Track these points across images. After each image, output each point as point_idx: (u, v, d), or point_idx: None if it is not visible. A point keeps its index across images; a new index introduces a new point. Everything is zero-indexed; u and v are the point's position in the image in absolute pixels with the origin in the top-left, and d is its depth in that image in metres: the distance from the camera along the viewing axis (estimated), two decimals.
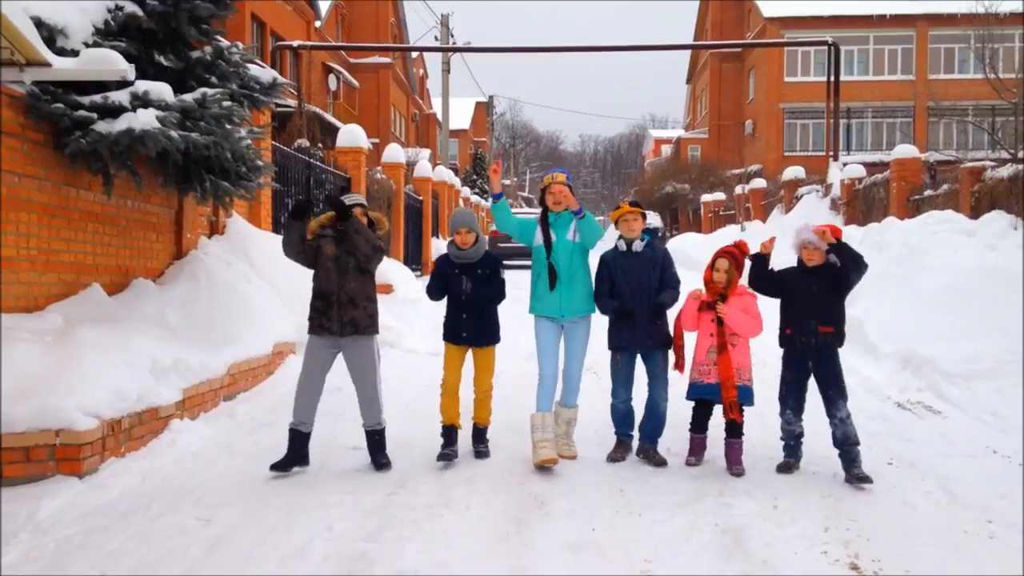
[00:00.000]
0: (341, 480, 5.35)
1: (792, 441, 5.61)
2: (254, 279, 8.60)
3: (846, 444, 5.37)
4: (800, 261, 5.67)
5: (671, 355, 5.79)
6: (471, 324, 5.81)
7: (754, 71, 43.25)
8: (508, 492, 5.15)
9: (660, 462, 5.66)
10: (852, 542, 4.38)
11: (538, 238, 5.87)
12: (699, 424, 5.79)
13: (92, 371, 5.53)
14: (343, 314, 5.57)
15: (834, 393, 5.45)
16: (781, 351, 5.73)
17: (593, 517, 4.74)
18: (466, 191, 34.99)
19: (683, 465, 5.71)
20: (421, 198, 22.46)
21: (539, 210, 6.03)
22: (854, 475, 5.25)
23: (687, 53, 55.46)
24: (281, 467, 5.47)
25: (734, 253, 5.70)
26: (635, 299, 5.68)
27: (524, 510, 4.72)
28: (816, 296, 5.51)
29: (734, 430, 5.58)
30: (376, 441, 5.70)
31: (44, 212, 6.26)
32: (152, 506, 4.86)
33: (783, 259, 5.89)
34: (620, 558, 4.19)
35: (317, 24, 33.23)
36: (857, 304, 10.25)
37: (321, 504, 4.92)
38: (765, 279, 5.77)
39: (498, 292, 5.88)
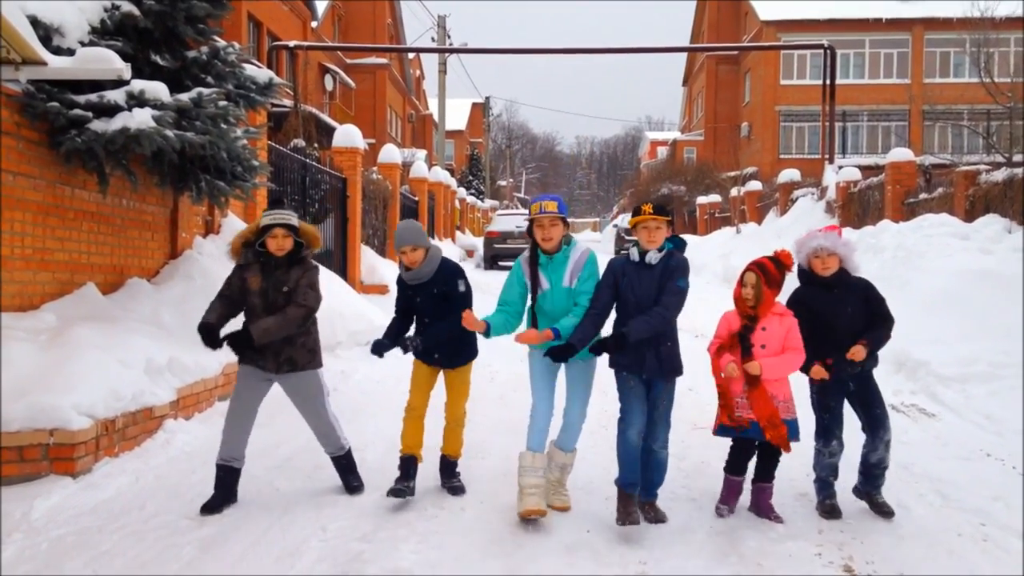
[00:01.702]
0: (336, 481, 5.34)
1: (832, 477, 4.89)
2: None
3: (877, 468, 4.80)
4: (810, 274, 4.94)
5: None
6: (445, 345, 5.09)
7: (750, 74, 43.32)
8: (502, 493, 5.14)
9: (660, 519, 4.75)
10: (846, 544, 4.39)
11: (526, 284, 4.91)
12: (737, 464, 4.91)
13: (86, 370, 5.52)
14: (279, 353, 4.97)
15: (881, 413, 4.82)
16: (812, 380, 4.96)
17: (587, 518, 4.75)
18: (462, 192, 34.99)
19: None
20: (417, 199, 22.45)
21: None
22: (876, 502, 4.79)
23: (683, 55, 55.54)
24: (211, 509, 4.80)
25: (764, 266, 4.80)
26: (639, 308, 4.65)
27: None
28: (852, 317, 4.83)
29: (770, 472, 4.86)
30: (343, 465, 5.28)
31: (39, 211, 6.25)
32: (146, 506, 4.85)
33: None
34: (614, 560, 4.19)
35: (313, 24, 33.21)
36: None
37: (315, 505, 4.91)
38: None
39: (458, 306, 4.96)
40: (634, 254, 4.73)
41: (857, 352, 4.68)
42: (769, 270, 4.79)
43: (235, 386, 5.10)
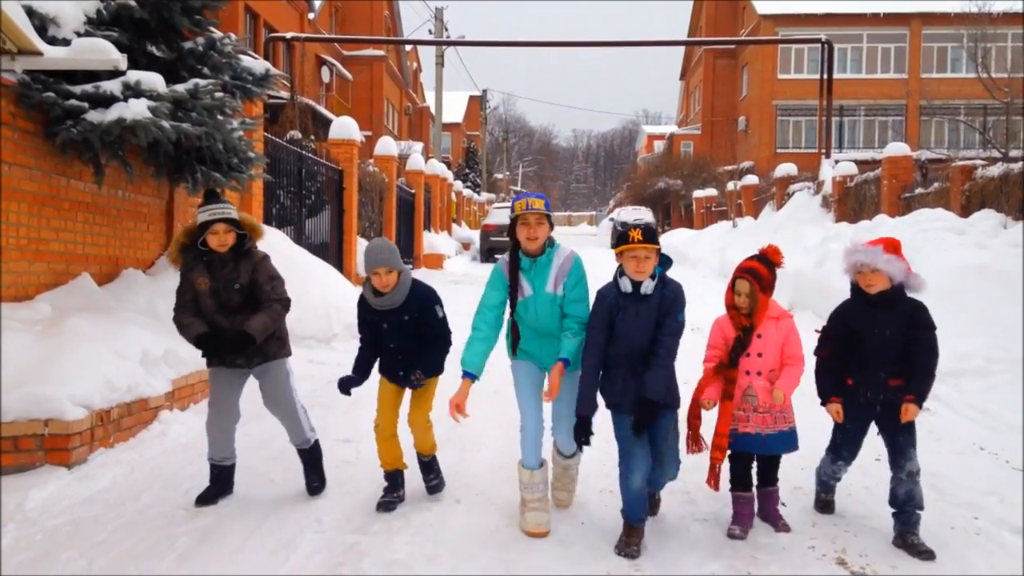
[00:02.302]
0: (332, 472, 5.34)
1: (833, 481, 4.78)
2: None
3: (908, 505, 4.30)
4: (856, 288, 4.50)
5: (683, 427, 4.52)
6: (405, 364, 4.73)
7: (747, 68, 43.30)
8: (497, 486, 5.15)
9: (654, 511, 4.59)
10: (839, 538, 4.41)
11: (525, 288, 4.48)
12: (742, 479, 4.55)
13: (82, 361, 5.51)
14: (238, 349, 4.75)
15: (904, 440, 4.35)
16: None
17: (583, 510, 4.76)
18: (458, 184, 34.97)
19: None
20: (413, 191, 22.43)
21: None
22: (913, 546, 4.21)
23: (681, 49, 55.46)
24: (206, 500, 4.78)
25: (756, 271, 4.43)
26: (633, 351, 4.24)
27: (513, 504, 4.72)
28: (889, 341, 4.36)
29: (772, 476, 4.62)
30: (307, 459, 5.05)
31: (34, 201, 6.24)
32: (141, 497, 4.86)
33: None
34: (609, 552, 4.20)
35: (310, 16, 33.10)
36: None
37: (311, 496, 4.92)
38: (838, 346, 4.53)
39: (436, 334, 4.76)
40: (625, 284, 4.23)
41: (908, 412, 4.26)
42: (762, 275, 4.43)
43: (211, 389, 4.94)
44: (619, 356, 4.26)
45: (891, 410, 4.35)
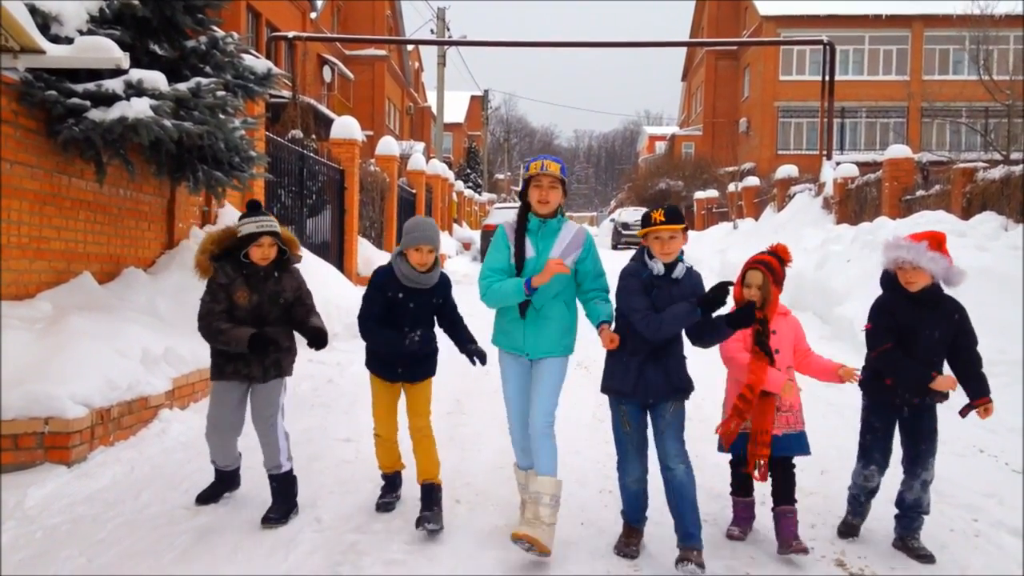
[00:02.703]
0: (332, 472, 5.35)
1: (864, 497, 4.44)
2: None
3: (914, 510, 4.28)
4: (894, 281, 4.32)
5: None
6: (408, 358, 4.59)
7: (749, 69, 43.30)
8: (497, 487, 5.16)
9: (700, 563, 3.93)
10: (838, 540, 4.41)
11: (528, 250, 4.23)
12: (742, 485, 4.47)
13: (82, 359, 5.52)
14: (265, 358, 4.62)
15: (926, 449, 4.28)
16: (863, 394, 4.49)
17: (583, 511, 4.76)
18: (460, 185, 34.98)
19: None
20: (415, 191, 22.43)
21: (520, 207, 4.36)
22: (913, 549, 4.20)
23: (683, 50, 55.47)
24: (207, 499, 4.78)
25: (770, 264, 4.29)
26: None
27: (513, 505, 4.72)
28: (938, 342, 4.25)
29: (786, 494, 4.29)
30: (276, 487, 4.65)
31: (36, 199, 6.24)
32: (141, 495, 4.86)
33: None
34: (607, 553, 4.20)
35: (312, 15, 33.12)
36: (847, 303, 10.29)
37: (311, 496, 4.92)
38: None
39: (459, 316, 4.75)
40: (658, 267, 4.03)
41: (989, 410, 4.30)
42: (775, 267, 4.28)
43: (214, 403, 4.70)
44: (644, 341, 4.02)
45: (920, 415, 4.28)
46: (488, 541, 4.32)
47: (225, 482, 4.89)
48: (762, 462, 4.23)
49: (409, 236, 4.46)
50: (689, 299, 3.98)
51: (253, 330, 4.49)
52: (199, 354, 6.84)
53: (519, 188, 4.17)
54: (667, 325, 3.96)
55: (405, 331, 4.47)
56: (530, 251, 4.20)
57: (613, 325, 4.14)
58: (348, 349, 9.23)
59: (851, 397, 6.13)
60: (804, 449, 4.34)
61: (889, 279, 4.34)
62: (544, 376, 4.24)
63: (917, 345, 4.22)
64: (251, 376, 4.62)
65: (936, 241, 4.24)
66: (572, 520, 4.61)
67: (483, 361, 4.57)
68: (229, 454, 4.81)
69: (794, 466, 4.37)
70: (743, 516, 4.48)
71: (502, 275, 4.22)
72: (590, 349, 6.38)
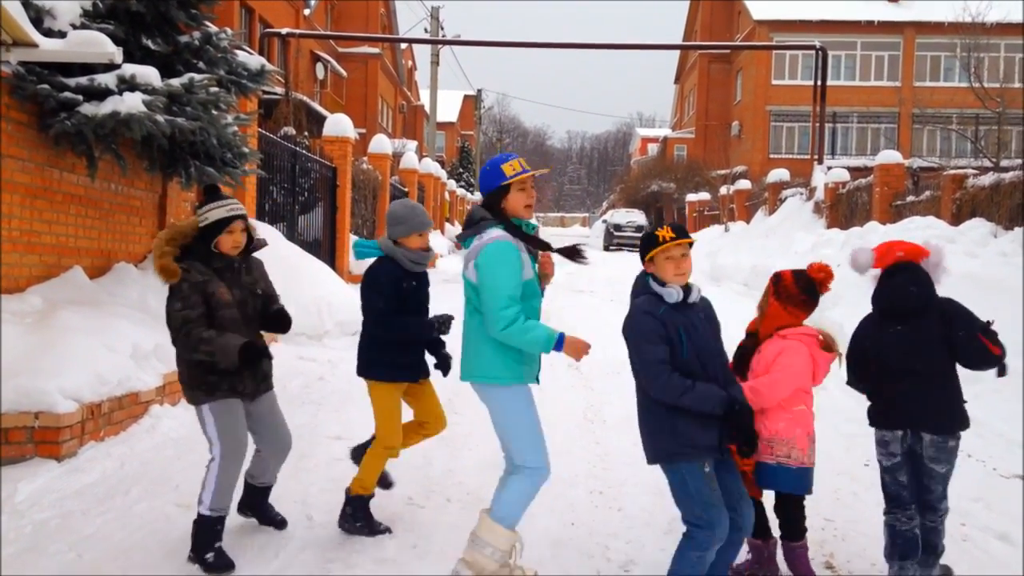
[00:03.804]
0: (323, 470, 5.34)
1: (911, 552, 3.78)
2: None
3: (925, 551, 3.83)
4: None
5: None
6: (420, 350, 4.46)
7: (742, 73, 43.41)
8: (488, 485, 5.15)
9: None
10: (827, 542, 4.43)
11: (525, 271, 3.67)
12: (757, 525, 3.87)
13: (73, 354, 5.50)
14: (257, 371, 4.17)
15: (935, 498, 3.86)
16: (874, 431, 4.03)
17: (573, 511, 4.77)
18: (452, 184, 34.97)
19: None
20: (407, 190, 22.40)
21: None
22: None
23: (676, 53, 55.57)
24: (279, 522, 4.43)
25: (779, 277, 3.94)
26: (706, 373, 3.44)
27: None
28: (912, 352, 3.83)
29: (792, 529, 3.93)
30: (259, 501, 4.48)
31: (27, 193, 6.21)
32: (131, 491, 4.85)
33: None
34: (598, 552, 4.21)
35: (306, 12, 33.04)
36: (836, 308, 10.33)
37: (302, 493, 4.92)
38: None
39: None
40: (673, 295, 3.45)
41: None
42: (784, 283, 3.86)
43: (225, 428, 4.02)
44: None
45: (917, 451, 3.84)
46: None
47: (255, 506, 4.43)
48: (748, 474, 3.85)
49: (411, 223, 4.31)
50: (729, 389, 3.45)
51: (243, 339, 3.95)
52: None
53: (484, 198, 3.74)
54: (689, 398, 3.35)
55: (424, 313, 4.45)
56: (529, 271, 3.71)
57: None
58: (340, 347, 9.23)
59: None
60: (793, 485, 3.82)
61: None
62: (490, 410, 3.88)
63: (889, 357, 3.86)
64: (244, 392, 4.11)
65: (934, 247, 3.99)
66: (562, 520, 4.62)
67: (446, 372, 4.45)
68: (263, 471, 4.39)
69: (797, 500, 3.93)
70: (762, 561, 3.99)
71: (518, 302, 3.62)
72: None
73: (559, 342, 3.53)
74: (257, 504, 4.43)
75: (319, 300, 9.80)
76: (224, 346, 3.89)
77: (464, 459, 5.70)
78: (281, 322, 4.25)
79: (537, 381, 3.79)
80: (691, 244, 3.55)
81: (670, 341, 3.40)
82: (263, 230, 9.89)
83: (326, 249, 14.34)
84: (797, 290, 3.86)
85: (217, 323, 3.99)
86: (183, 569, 3.91)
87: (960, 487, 5.28)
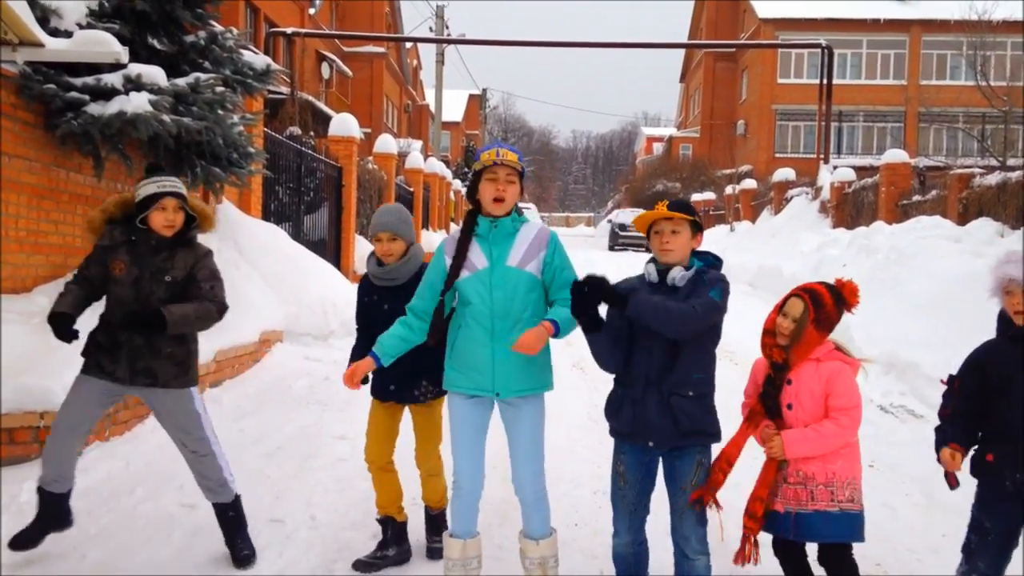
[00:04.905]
0: (327, 470, 5.35)
1: None
2: (242, 266, 8.57)
3: None
4: (1005, 318, 3.37)
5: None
6: (401, 369, 3.84)
7: (747, 71, 43.35)
8: (490, 486, 5.15)
9: None
10: None
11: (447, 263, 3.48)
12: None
13: (78, 354, 5.50)
14: (134, 359, 3.88)
15: None
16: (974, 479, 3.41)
17: (577, 511, 4.77)
18: (457, 183, 34.97)
19: None
20: (412, 189, 22.42)
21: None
22: None
23: (681, 51, 55.51)
24: (23, 543, 3.91)
25: (819, 295, 3.30)
26: (653, 360, 3.30)
27: (508, 503, 4.73)
28: None
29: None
30: (229, 518, 4.06)
31: (33, 193, 6.23)
32: (135, 491, 4.86)
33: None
34: (601, 552, 4.21)
35: (311, 12, 33.08)
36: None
37: (306, 494, 4.92)
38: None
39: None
40: (651, 272, 3.33)
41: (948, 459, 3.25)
42: (824, 302, 3.28)
43: (69, 398, 3.99)
44: (636, 372, 3.35)
45: None
46: (482, 539, 4.31)
47: (50, 514, 3.99)
48: (751, 538, 3.36)
49: (370, 227, 4.06)
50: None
51: (61, 311, 3.82)
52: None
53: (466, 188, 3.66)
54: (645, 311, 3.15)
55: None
56: (482, 260, 3.41)
57: (559, 332, 3.32)
58: (345, 347, 9.16)
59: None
60: (840, 533, 3.27)
61: (1002, 317, 3.37)
62: (522, 425, 3.50)
63: (1012, 397, 3.15)
64: (115, 376, 3.90)
65: None
66: (566, 521, 4.62)
67: (411, 401, 4.07)
68: (58, 465, 3.95)
69: (844, 550, 3.33)
70: None
71: (423, 300, 3.53)
72: (585, 350, 6.41)
73: (373, 355, 3.55)
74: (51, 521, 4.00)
75: (324, 300, 9.82)
76: (53, 311, 3.85)
77: None
78: (131, 322, 3.80)
79: (495, 394, 3.45)
80: (696, 224, 3.34)
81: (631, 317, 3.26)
82: (269, 230, 9.93)
83: (331, 249, 14.35)
84: (836, 315, 3.33)
85: (110, 295, 3.92)
86: (188, 569, 3.92)
87: (965, 487, 5.27)
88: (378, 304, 4.02)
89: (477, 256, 3.42)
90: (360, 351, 3.97)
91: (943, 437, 3.33)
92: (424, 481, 4.23)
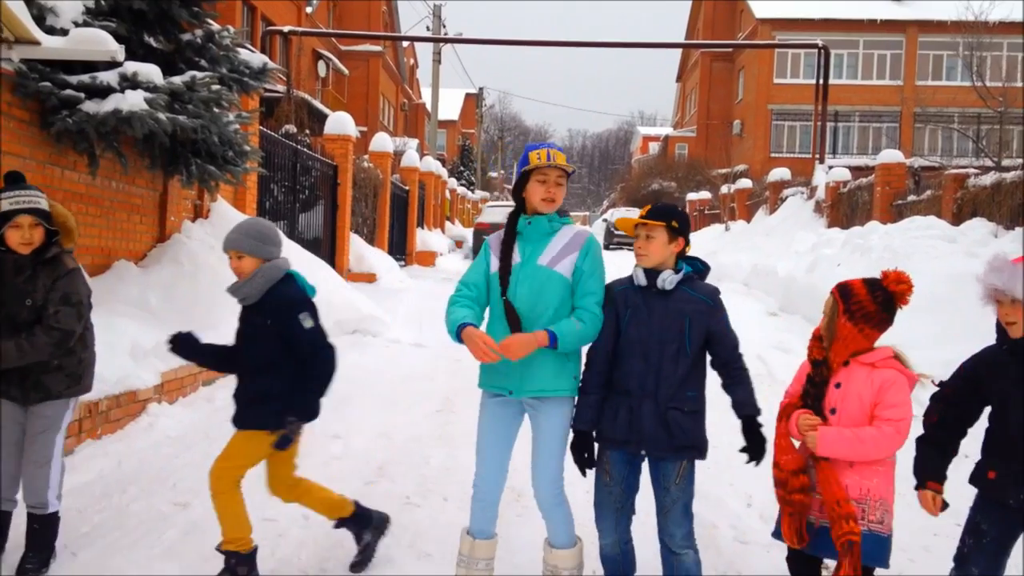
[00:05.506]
0: (319, 469, 5.34)
1: None
2: None
3: None
4: (1000, 328, 3.23)
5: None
6: (241, 394, 3.76)
7: (744, 71, 43.40)
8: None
9: None
10: None
11: (492, 262, 3.48)
12: None
13: None
14: (24, 377, 3.68)
15: None
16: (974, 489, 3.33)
17: (576, 511, 4.76)
18: (453, 182, 34.99)
19: None
20: (407, 188, 22.42)
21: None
22: None
23: (678, 51, 55.57)
24: None
25: (849, 289, 3.18)
26: (649, 368, 3.30)
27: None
28: None
29: None
30: (36, 530, 3.81)
31: None
32: (128, 489, 4.85)
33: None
34: (592, 552, 4.21)
35: (308, 10, 33.06)
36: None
37: None
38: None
39: (310, 352, 3.80)
40: (638, 275, 3.35)
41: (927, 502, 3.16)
42: (856, 295, 3.14)
43: None
44: (627, 375, 3.34)
45: None
46: None
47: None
48: (849, 546, 3.02)
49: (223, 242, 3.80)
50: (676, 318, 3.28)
51: None
52: None
53: (512, 185, 3.57)
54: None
55: (241, 363, 3.78)
56: (516, 257, 3.42)
57: (558, 345, 3.27)
58: (339, 346, 9.22)
59: None
60: (878, 559, 3.14)
61: (1001, 326, 3.24)
62: (548, 426, 3.44)
63: (1010, 413, 3.08)
64: (10, 396, 3.70)
65: None
66: None
67: (283, 446, 3.72)
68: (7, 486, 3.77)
69: (865, 574, 3.15)
70: None
71: (474, 290, 3.48)
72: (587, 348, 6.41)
73: (461, 327, 3.29)
74: None
75: (318, 300, 9.80)
76: None
77: (462, 458, 5.70)
78: None
79: (508, 392, 3.44)
80: (676, 229, 3.31)
81: (616, 317, 3.36)
82: None
83: (326, 247, 14.35)
84: (875, 307, 3.14)
85: None
86: (180, 568, 3.92)
87: (957, 487, 5.29)
88: (239, 319, 3.82)
89: (515, 253, 3.45)
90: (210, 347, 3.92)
91: (924, 465, 3.23)
92: (303, 500, 4.01)
